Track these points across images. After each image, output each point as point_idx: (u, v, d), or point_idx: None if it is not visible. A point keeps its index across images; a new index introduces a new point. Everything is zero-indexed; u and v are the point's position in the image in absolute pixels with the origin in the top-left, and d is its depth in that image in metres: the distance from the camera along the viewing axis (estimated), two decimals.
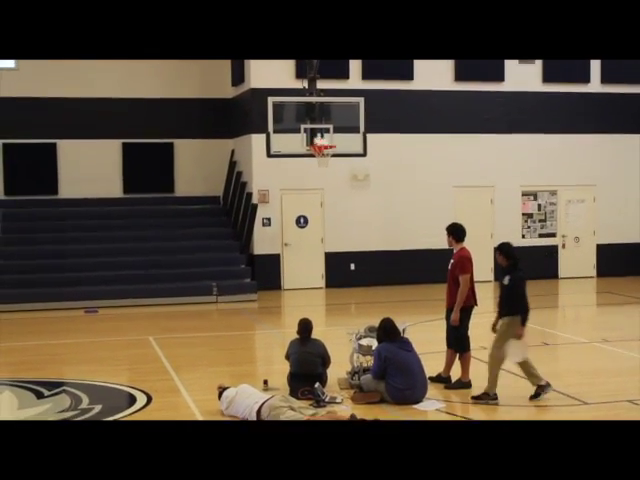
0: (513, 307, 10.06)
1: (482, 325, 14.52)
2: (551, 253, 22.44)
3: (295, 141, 14.97)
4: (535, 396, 10.03)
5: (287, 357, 10.63)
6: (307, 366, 10.28)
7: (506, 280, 10.13)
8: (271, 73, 20.13)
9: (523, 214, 22.48)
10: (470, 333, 10.81)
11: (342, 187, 21.18)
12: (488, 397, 9.98)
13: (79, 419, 9.39)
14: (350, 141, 15.36)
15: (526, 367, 10.13)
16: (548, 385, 10.05)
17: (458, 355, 10.80)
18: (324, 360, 10.52)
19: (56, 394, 10.71)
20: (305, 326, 10.61)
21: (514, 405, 9.88)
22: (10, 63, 21.46)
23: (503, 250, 10.25)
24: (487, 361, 10.18)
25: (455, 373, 10.79)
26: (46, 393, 10.73)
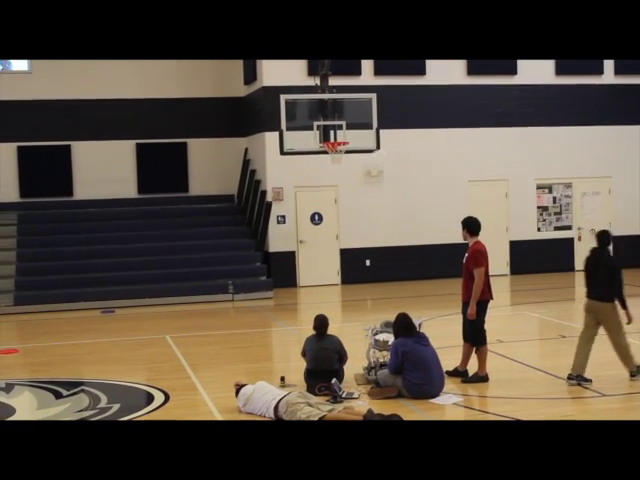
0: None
1: (498, 319, 14.54)
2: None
3: (308, 138, 14.97)
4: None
5: (303, 354, 10.64)
6: (324, 362, 10.29)
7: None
8: (283, 71, 20.14)
9: (538, 207, 22.40)
10: (486, 327, 10.78)
11: (356, 183, 21.17)
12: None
13: (97, 418, 9.44)
14: (363, 137, 15.34)
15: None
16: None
17: (475, 349, 10.78)
18: (341, 356, 10.52)
19: (75, 394, 10.77)
20: (321, 322, 10.62)
21: (532, 398, 9.85)
22: (24, 66, 21.58)
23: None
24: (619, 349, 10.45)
25: (472, 367, 10.78)
26: (65, 393, 10.78)
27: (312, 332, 10.71)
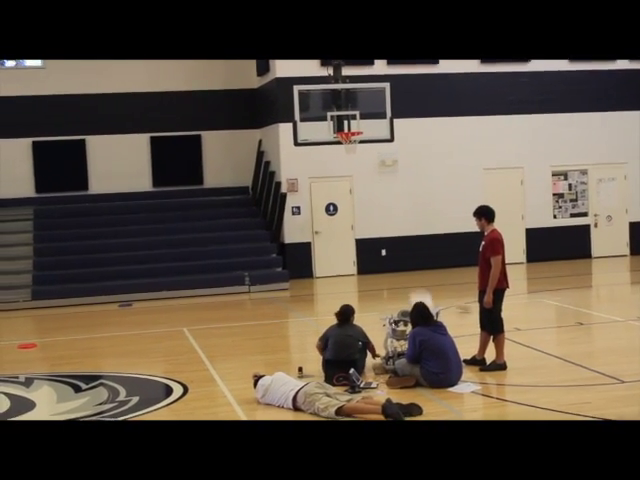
0: None
1: (515, 306, 14.50)
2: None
3: (322, 129, 14.98)
4: None
5: (322, 340, 10.61)
6: (344, 349, 10.27)
7: None
8: (296, 62, 20.03)
9: (554, 194, 22.32)
10: (503, 315, 10.76)
11: (371, 173, 21.15)
12: None
13: (116, 412, 9.48)
14: (377, 127, 15.33)
15: None
16: None
17: (492, 337, 10.76)
18: (364, 344, 10.52)
19: (94, 387, 10.82)
20: (342, 310, 10.64)
21: (550, 386, 9.84)
22: (37, 61, 21.63)
23: None
24: None
25: (490, 355, 10.77)
26: (84, 386, 10.83)
27: (330, 323, 10.73)
